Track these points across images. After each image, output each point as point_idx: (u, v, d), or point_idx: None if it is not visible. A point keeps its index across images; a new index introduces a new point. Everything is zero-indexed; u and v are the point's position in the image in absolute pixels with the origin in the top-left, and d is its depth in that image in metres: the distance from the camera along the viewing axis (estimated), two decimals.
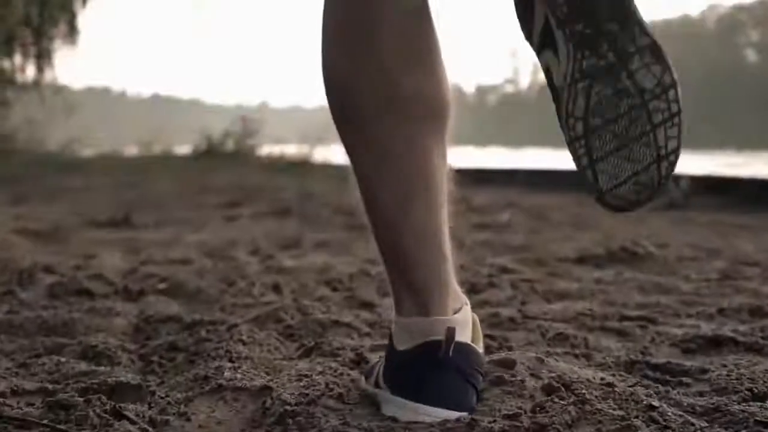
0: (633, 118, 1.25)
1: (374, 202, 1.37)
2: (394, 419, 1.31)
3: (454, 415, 1.31)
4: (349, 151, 1.38)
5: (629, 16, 1.25)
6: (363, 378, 1.50)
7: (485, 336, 1.54)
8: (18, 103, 17.20)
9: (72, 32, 18.23)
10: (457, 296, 1.41)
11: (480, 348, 1.41)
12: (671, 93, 1.25)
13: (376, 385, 1.43)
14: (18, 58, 18.10)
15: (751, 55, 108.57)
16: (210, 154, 14.62)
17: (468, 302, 1.42)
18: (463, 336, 1.36)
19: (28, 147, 14.19)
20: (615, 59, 1.25)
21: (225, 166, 12.27)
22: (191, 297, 2.32)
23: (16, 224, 4.53)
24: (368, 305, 2.18)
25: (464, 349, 1.35)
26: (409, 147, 1.33)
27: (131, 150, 17.53)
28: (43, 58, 18.16)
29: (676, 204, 6.42)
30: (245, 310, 2.07)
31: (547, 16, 1.29)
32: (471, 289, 2.38)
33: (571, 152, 1.27)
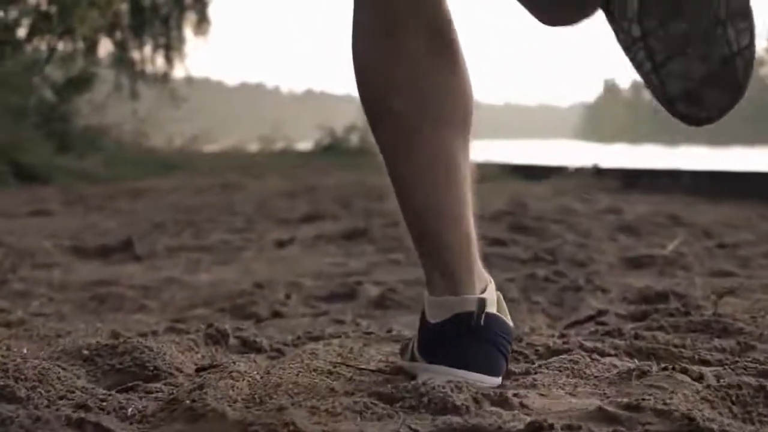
0: (695, 13, 1.14)
1: (404, 190, 1.45)
2: None
3: (485, 379, 1.40)
4: (379, 141, 1.45)
5: None
6: (399, 355, 1.62)
7: None
8: (148, 95, 16.36)
9: (202, 22, 17.34)
10: (482, 276, 1.49)
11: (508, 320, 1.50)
12: None
13: (412, 358, 1.52)
14: (148, 49, 17.29)
15: None
16: (331, 150, 13.33)
17: (492, 280, 1.50)
18: (490, 308, 1.45)
19: (137, 141, 13.13)
20: None
21: (342, 165, 10.93)
22: None
23: None
24: None
25: (493, 319, 1.45)
26: (435, 140, 1.40)
27: (254, 146, 16.47)
28: (171, 49, 17.28)
29: None
30: None
31: None
32: None
33: (630, 59, 1.19)
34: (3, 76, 10.16)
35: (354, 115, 12.53)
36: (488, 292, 1.48)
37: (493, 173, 8.19)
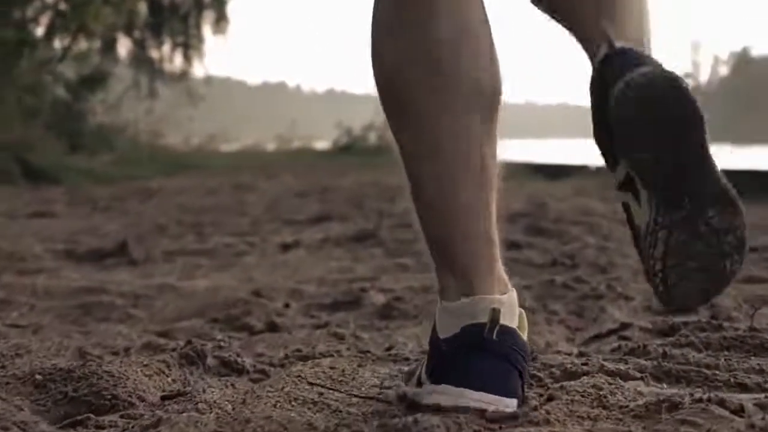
0: (706, 254, 1.32)
1: (419, 185, 1.38)
2: None
3: (499, 401, 1.28)
4: (396, 137, 1.40)
5: (711, 174, 1.31)
6: (402, 383, 1.51)
7: None
8: (166, 94, 16.23)
9: (221, 21, 17.20)
10: (503, 281, 1.38)
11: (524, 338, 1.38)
12: (740, 231, 1.32)
13: (418, 383, 1.42)
14: (167, 48, 17.15)
15: None
16: (349, 150, 13.14)
17: (514, 290, 1.39)
18: (508, 321, 1.34)
19: (152, 140, 12.98)
20: (694, 211, 1.31)
21: (358, 164, 10.74)
22: None
23: None
24: None
25: (509, 332, 1.33)
26: (456, 135, 1.35)
27: (271, 145, 16.32)
28: (190, 48, 17.14)
29: None
30: None
31: (630, 173, 1.32)
32: None
33: (648, 279, 1.34)
34: (16, 75, 10.02)
35: (372, 114, 12.34)
36: (507, 300, 1.36)
37: (512, 172, 7.98)
